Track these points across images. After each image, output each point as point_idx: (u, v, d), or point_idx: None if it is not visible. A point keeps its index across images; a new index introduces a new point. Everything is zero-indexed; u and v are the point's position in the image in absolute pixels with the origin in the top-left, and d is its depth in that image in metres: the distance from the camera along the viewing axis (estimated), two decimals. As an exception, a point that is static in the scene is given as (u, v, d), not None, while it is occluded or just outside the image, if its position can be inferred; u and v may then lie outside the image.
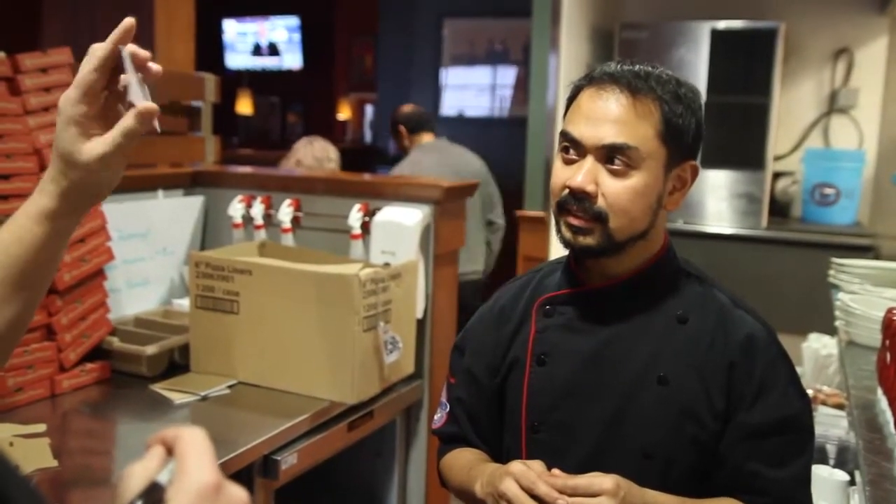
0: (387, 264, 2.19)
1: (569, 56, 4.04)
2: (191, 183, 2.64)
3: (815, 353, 2.34)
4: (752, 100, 3.94)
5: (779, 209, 4.25)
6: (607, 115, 1.19)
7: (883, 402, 1.34)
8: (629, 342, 1.25)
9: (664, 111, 1.20)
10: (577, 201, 1.20)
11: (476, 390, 1.41)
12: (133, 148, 0.99)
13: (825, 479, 1.48)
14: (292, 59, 9.79)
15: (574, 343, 1.27)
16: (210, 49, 9.69)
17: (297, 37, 9.72)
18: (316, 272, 1.97)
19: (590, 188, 1.19)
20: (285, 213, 2.43)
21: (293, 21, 9.67)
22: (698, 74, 3.96)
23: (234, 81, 9.83)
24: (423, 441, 2.46)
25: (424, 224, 2.29)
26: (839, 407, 2.09)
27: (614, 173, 1.20)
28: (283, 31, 9.81)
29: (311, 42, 9.62)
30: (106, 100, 1.00)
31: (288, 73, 9.81)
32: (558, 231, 1.25)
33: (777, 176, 4.26)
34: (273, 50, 9.88)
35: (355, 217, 2.32)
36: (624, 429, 1.22)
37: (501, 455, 1.37)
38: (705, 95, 4.00)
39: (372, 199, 2.38)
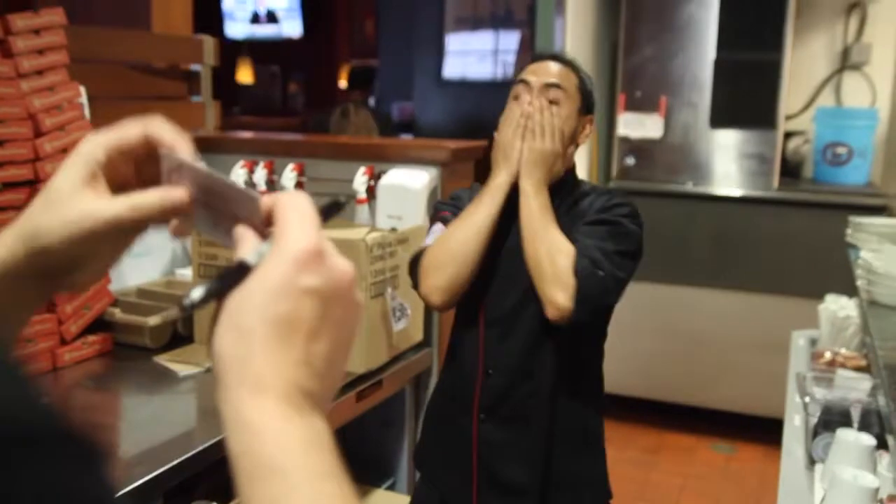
0: (394, 229, 2.13)
1: (575, 16, 3.95)
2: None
3: (832, 314, 2.28)
4: (763, 56, 3.85)
5: (790, 170, 4.17)
6: (546, 69, 1.77)
7: (914, 364, 1.29)
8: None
9: (579, 75, 1.80)
10: (528, 119, 1.73)
11: None
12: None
13: (851, 443, 1.44)
14: (292, 27, 9.65)
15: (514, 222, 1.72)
16: (208, 18, 9.57)
17: (296, 3, 9.57)
18: (321, 238, 1.92)
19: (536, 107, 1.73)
20: (289, 178, 2.38)
21: (292, -13, 9.51)
22: (708, 31, 3.87)
23: (233, 50, 9.71)
24: (433, 409, 2.42)
25: (431, 187, 2.23)
26: (859, 370, 2.03)
27: (552, 104, 1.74)
28: (282, -3, 9.66)
29: (311, 8, 9.48)
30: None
31: (288, 41, 9.67)
32: None
33: (788, 135, 4.17)
34: (272, 17, 9.73)
35: (360, 181, 2.26)
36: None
37: None
38: (714, 52, 3.93)
39: (377, 162, 2.32)
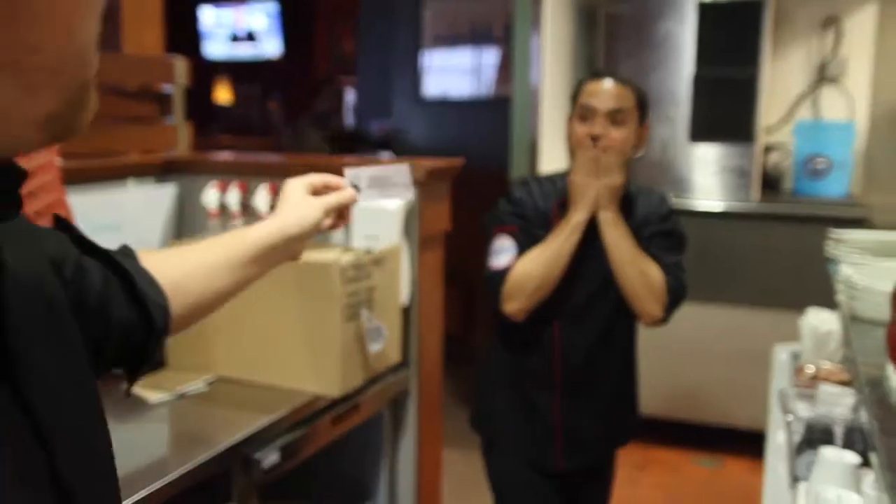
0: (369, 250, 2.09)
1: (552, 34, 3.95)
2: (163, 171, 2.53)
3: (813, 329, 2.26)
4: (741, 72, 3.85)
5: (770, 183, 4.17)
6: (609, 93, 1.99)
7: (894, 380, 1.26)
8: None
9: (636, 92, 2.02)
10: (597, 140, 1.97)
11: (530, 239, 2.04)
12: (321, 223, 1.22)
13: (834, 462, 1.41)
14: (271, 46, 9.62)
15: None
16: (187, 38, 9.53)
17: (276, 23, 9.54)
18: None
19: (605, 132, 1.97)
20: (262, 199, 2.34)
21: (272, 7, 9.49)
22: (685, 47, 3.87)
23: (212, 70, 9.67)
24: (412, 432, 2.38)
25: (408, 207, 2.20)
26: (842, 384, 2.01)
27: (615, 125, 1.98)
28: (261, 16, 9.63)
29: (290, 28, 9.45)
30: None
31: (267, 61, 9.64)
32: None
33: (768, 149, 4.17)
34: (251, 37, 9.70)
35: (335, 201, 2.23)
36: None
37: None
38: (693, 68, 3.93)
39: (352, 182, 2.28)
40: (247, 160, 2.51)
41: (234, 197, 2.38)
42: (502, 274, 1.99)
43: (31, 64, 0.50)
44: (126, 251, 1.01)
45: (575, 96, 2.06)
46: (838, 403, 1.89)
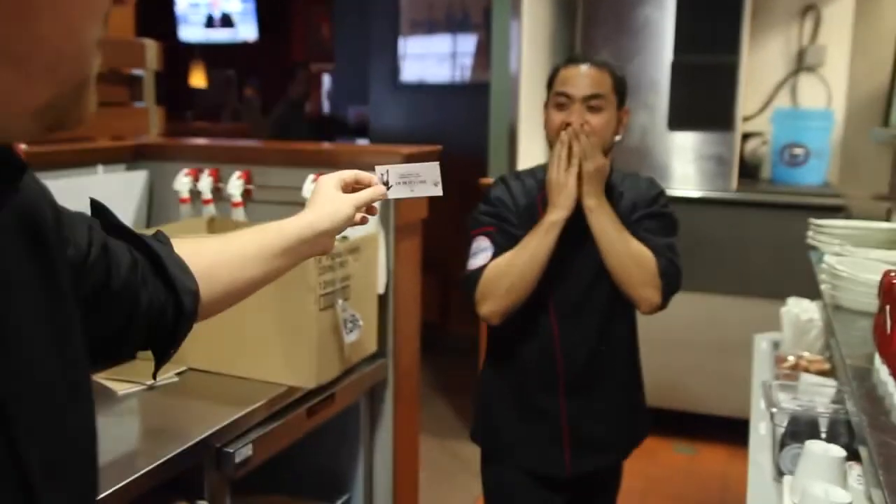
0: (344, 237, 2.05)
1: (531, 20, 3.90)
2: (133, 157, 2.47)
3: (794, 318, 2.24)
4: (720, 59, 3.83)
5: (748, 171, 4.16)
6: (585, 78, 1.91)
7: (882, 373, 1.24)
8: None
9: (613, 75, 1.94)
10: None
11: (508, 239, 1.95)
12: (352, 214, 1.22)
13: (820, 456, 1.39)
14: (247, 30, 9.51)
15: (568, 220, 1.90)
16: (161, 21, 9.39)
17: (251, 6, 9.43)
18: (267, 248, 1.83)
19: (582, 120, 1.89)
20: (235, 185, 2.29)
21: (247, -10, 9.37)
22: (664, 34, 3.84)
23: (187, 54, 9.55)
24: (389, 423, 2.35)
25: (384, 194, 2.15)
26: (823, 373, 2.00)
27: (593, 112, 1.91)
28: (236, 1, 9.52)
29: (266, 11, 9.34)
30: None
31: (243, 45, 9.53)
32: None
33: (746, 137, 4.16)
34: (226, 21, 9.58)
35: (309, 188, 2.18)
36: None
37: None
38: (672, 55, 3.90)
39: (327, 168, 2.22)
40: (219, 146, 2.45)
41: (206, 183, 2.32)
42: (476, 275, 1.92)
43: (31, 56, 0.54)
44: (160, 237, 1.05)
45: (550, 83, 1.98)
46: (819, 393, 1.88)
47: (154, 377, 1.11)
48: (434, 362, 4.93)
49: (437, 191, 1.27)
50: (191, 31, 9.68)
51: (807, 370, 2.02)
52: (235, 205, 2.29)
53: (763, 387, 1.96)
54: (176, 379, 1.91)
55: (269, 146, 2.56)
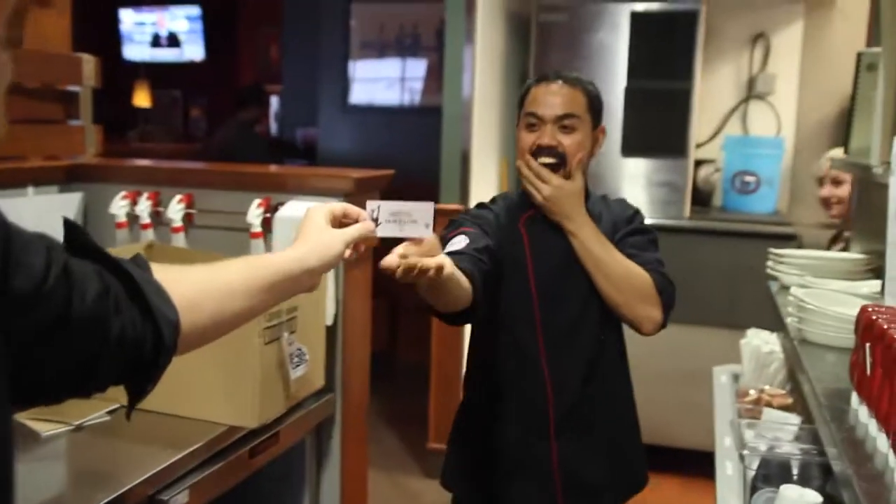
0: (291, 266, 1.94)
1: (484, 43, 3.84)
2: (67, 178, 2.34)
3: (755, 350, 2.19)
4: (673, 85, 3.81)
5: (700, 198, 4.14)
6: (557, 98, 1.80)
7: (862, 414, 1.17)
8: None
9: (587, 93, 1.84)
10: (546, 150, 1.79)
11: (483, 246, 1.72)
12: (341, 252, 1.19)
13: (795, 501, 1.32)
14: (194, 51, 9.34)
15: (553, 241, 1.83)
16: (106, 40, 9.19)
17: (198, 27, 9.27)
18: (207, 278, 1.71)
19: (553, 142, 1.80)
20: (175, 210, 2.17)
21: (194, 10, 9.22)
22: (618, 58, 3.81)
23: (132, 74, 9.35)
24: (337, 461, 2.23)
25: (333, 220, 2.05)
26: (785, 408, 1.94)
27: (566, 132, 1.81)
28: (183, 21, 9.35)
29: (213, 33, 9.19)
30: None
31: (190, 66, 9.35)
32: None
33: (699, 164, 4.15)
34: (173, 41, 9.41)
35: (255, 213, 2.07)
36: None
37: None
38: (625, 81, 3.87)
39: (274, 192, 2.13)
40: (159, 167, 2.33)
41: (144, 207, 2.20)
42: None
43: None
44: (139, 262, 0.97)
45: (521, 103, 1.87)
46: (783, 430, 1.82)
47: (128, 417, 1.03)
48: (383, 391, 4.81)
49: (427, 232, 1.23)
50: (136, 51, 9.48)
51: (769, 405, 1.96)
52: (175, 230, 2.17)
53: (731, 425, 1.89)
54: (107, 418, 1.78)
55: (212, 168, 2.44)
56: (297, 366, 1.84)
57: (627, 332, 1.89)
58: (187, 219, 2.20)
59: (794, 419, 1.82)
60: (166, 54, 9.39)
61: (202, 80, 9.35)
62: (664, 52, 3.82)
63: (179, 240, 2.18)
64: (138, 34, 9.50)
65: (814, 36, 4.23)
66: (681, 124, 3.82)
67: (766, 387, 2.10)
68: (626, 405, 1.95)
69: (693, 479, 3.59)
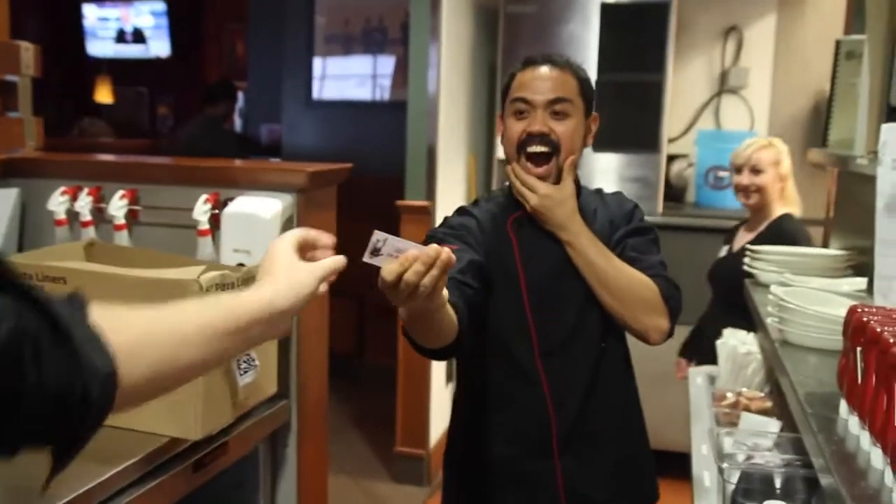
0: (241, 265, 1.82)
1: (450, 37, 3.73)
2: (2, 173, 2.19)
3: (731, 350, 2.10)
4: (645, 77, 3.72)
5: (673, 194, 4.07)
6: (547, 81, 1.65)
7: (852, 424, 1.07)
8: None
9: (578, 77, 1.69)
10: (537, 138, 1.64)
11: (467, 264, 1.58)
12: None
13: (779, 519, 1.23)
14: (159, 47, 9.16)
15: (544, 242, 1.69)
16: (69, 35, 8.98)
17: (163, 22, 9.09)
18: (145, 277, 1.59)
19: (545, 129, 1.64)
20: (117, 206, 2.03)
21: (159, 6, 9.03)
22: (588, 51, 3.72)
23: (95, 70, 9.15)
24: (293, 468, 2.11)
25: (286, 216, 1.93)
26: (764, 412, 1.85)
27: (558, 119, 1.65)
28: (148, 16, 9.16)
29: (178, 29, 9.01)
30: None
31: (156, 62, 9.17)
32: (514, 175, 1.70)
33: (671, 159, 4.07)
34: (138, 36, 9.22)
35: (202, 209, 1.94)
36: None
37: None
38: (596, 73, 3.77)
39: (223, 187, 2.00)
40: (100, 161, 2.19)
41: (85, 203, 2.06)
42: None
43: None
44: (75, 301, 0.81)
45: (506, 90, 1.71)
46: (762, 435, 1.72)
47: (44, 487, 0.88)
48: (350, 394, 4.69)
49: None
50: (100, 46, 9.28)
51: (747, 408, 1.87)
52: (118, 227, 2.04)
53: (711, 436, 1.79)
54: (38, 430, 1.64)
55: (157, 162, 2.30)
56: (246, 372, 1.71)
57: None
58: (131, 216, 2.06)
59: (774, 425, 1.72)
60: (131, 50, 9.20)
61: (168, 77, 9.18)
62: (635, 44, 3.74)
63: (122, 238, 2.04)
64: (102, 30, 9.30)
65: (787, 29, 4.16)
66: (653, 118, 3.73)
67: (744, 389, 2.00)
68: (633, 415, 1.81)
69: (668, 479, 3.50)
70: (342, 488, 3.62)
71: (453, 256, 1.16)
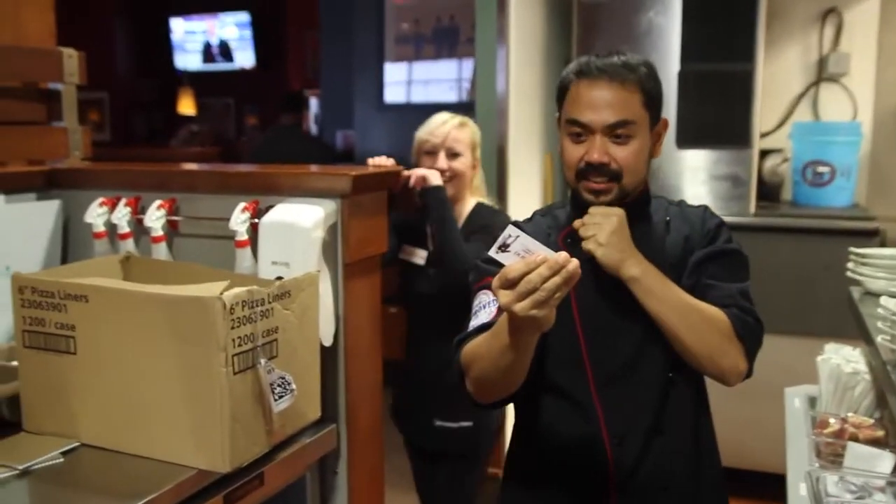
0: (279, 278, 1.67)
1: (521, 30, 3.53)
2: (45, 184, 2.10)
3: (834, 369, 1.83)
4: (734, 68, 3.45)
5: (767, 192, 3.77)
6: (606, 101, 1.49)
7: None
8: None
9: (642, 87, 1.52)
10: (596, 170, 1.51)
11: None
12: None
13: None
14: (244, 58, 9.26)
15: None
16: (158, 50, 9.16)
17: (248, 34, 9.18)
18: (165, 295, 1.45)
19: (605, 159, 1.50)
20: (155, 217, 1.91)
21: (244, 17, 9.13)
22: (670, 41, 3.47)
23: (181, 82, 9.32)
24: (344, 496, 1.95)
25: (328, 223, 1.77)
26: (874, 442, 1.59)
27: (619, 143, 1.50)
28: (233, 27, 9.27)
29: (262, 39, 9.08)
30: None
31: (241, 73, 9.27)
32: (577, 195, 1.58)
33: (764, 154, 3.77)
34: (224, 48, 9.34)
35: (239, 219, 1.80)
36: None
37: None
38: (678, 64, 3.50)
39: (263, 194, 1.86)
40: (138, 170, 2.07)
41: (122, 215, 1.95)
42: (459, 342, 1.52)
43: None
44: None
45: (560, 98, 1.57)
46: (873, 467, 1.47)
47: None
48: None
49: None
50: (187, 59, 9.44)
51: (854, 438, 1.61)
52: (156, 239, 1.91)
53: (809, 478, 1.54)
54: (60, 460, 1.52)
55: (197, 170, 2.18)
56: (281, 397, 1.56)
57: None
58: (170, 227, 1.94)
59: (888, 459, 1.47)
60: (218, 65, 9.34)
61: (253, 87, 9.26)
62: (722, 31, 3.47)
63: (161, 251, 1.92)
64: (189, 42, 9.46)
65: (892, 9, 3.81)
66: (743, 111, 3.45)
67: (850, 414, 1.74)
68: (707, 457, 1.61)
69: (762, 500, 3.22)
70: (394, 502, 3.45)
71: (579, 270, 1.14)
